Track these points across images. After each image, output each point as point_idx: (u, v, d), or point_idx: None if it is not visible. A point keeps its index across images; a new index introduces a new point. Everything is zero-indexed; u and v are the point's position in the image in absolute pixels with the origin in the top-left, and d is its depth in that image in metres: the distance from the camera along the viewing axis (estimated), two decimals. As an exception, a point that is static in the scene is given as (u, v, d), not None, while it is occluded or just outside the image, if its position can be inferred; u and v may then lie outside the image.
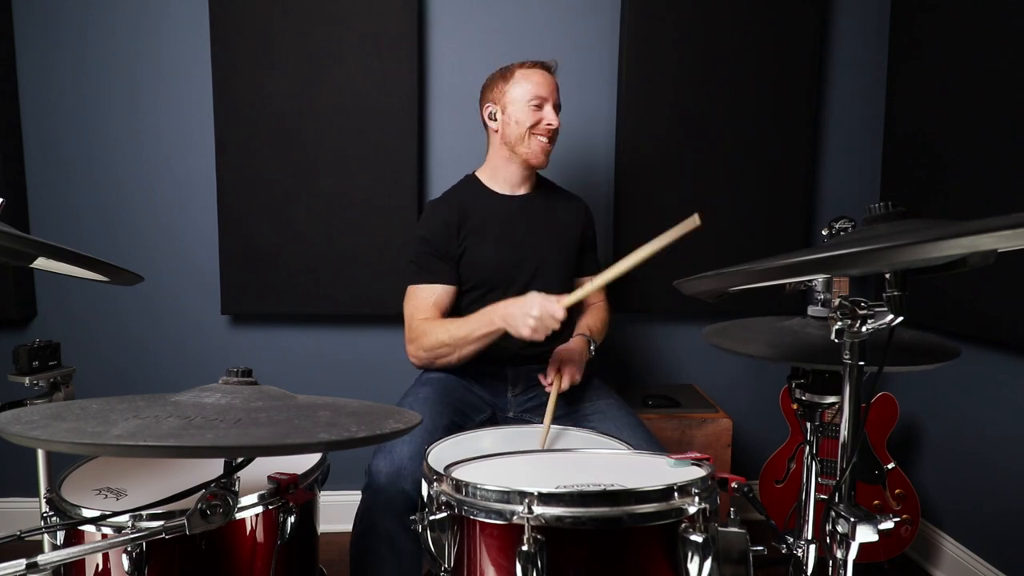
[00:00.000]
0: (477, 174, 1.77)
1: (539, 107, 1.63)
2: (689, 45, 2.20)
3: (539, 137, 1.64)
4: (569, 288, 1.78)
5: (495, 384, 1.68)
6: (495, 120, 1.68)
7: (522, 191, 1.74)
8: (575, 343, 1.62)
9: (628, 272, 1.35)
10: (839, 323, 0.87)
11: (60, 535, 0.97)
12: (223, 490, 0.83)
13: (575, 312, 1.85)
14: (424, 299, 1.64)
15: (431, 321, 1.61)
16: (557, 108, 1.67)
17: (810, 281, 1.25)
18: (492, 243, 1.66)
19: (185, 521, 0.82)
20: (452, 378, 1.65)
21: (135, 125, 2.17)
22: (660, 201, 2.24)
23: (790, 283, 1.05)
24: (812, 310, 1.19)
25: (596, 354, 1.66)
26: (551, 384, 1.51)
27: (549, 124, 1.63)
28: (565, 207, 1.78)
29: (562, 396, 1.64)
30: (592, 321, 1.76)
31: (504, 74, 1.67)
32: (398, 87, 2.14)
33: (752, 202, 2.27)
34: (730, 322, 1.26)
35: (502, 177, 1.72)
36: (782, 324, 1.21)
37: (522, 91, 1.63)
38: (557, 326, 1.39)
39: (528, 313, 1.39)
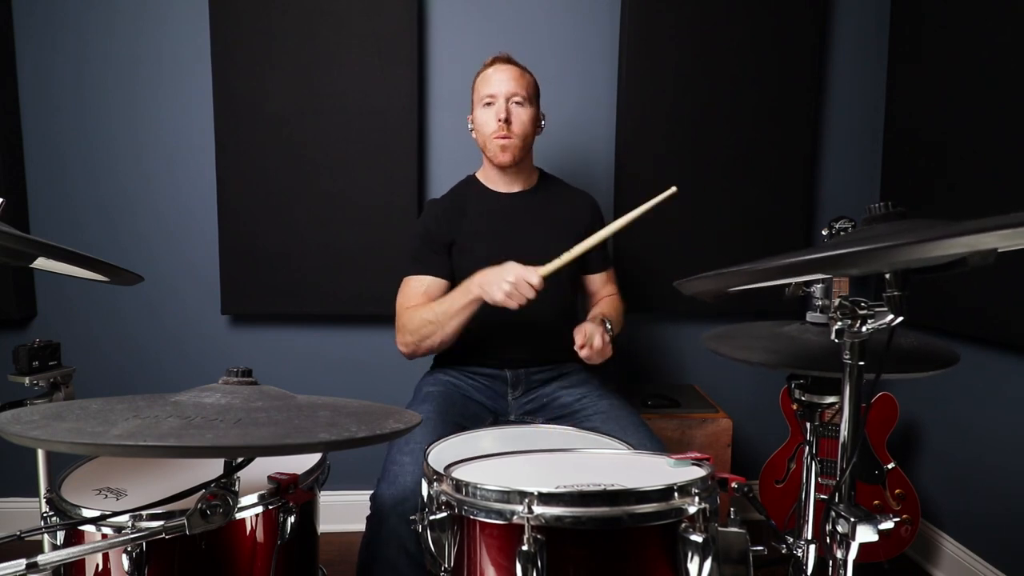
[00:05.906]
0: (476, 174, 1.78)
1: (490, 104, 1.61)
2: (689, 45, 2.20)
3: (493, 139, 1.61)
4: (571, 287, 1.77)
5: (495, 387, 1.67)
6: (471, 127, 1.69)
7: (518, 188, 1.73)
8: (591, 324, 1.56)
9: (605, 240, 1.44)
10: (839, 323, 0.87)
11: (60, 535, 0.97)
12: (223, 490, 0.83)
13: (585, 304, 1.84)
14: (414, 289, 1.64)
15: (417, 307, 1.61)
16: (525, 101, 1.61)
17: (809, 286, 1.24)
18: (484, 239, 1.66)
19: (185, 521, 0.82)
20: (452, 389, 1.63)
21: (135, 124, 2.17)
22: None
23: (790, 286, 1.04)
24: (811, 316, 1.19)
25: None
26: (583, 345, 1.48)
27: (499, 117, 1.59)
28: (568, 203, 1.76)
29: (565, 394, 1.63)
30: (606, 310, 1.71)
31: (474, 79, 1.68)
32: (398, 87, 2.14)
33: (752, 202, 2.27)
34: (729, 327, 1.26)
35: (493, 177, 1.73)
36: (781, 330, 1.21)
37: (477, 95, 1.64)
38: (532, 294, 1.40)
39: (504, 278, 1.40)
